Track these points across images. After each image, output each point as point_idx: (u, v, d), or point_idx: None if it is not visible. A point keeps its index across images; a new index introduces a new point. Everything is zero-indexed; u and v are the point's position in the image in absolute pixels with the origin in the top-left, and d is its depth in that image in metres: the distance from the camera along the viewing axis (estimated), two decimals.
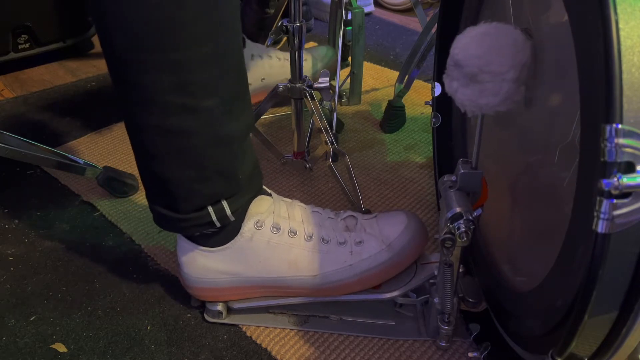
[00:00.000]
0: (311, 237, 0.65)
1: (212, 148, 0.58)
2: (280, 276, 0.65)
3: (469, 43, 0.53)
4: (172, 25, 0.51)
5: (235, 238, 0.64)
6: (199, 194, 0.60)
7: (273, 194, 0.69)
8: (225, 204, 0.61)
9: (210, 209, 0.61)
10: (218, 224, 0.62)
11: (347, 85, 1.17)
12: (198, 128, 0.56)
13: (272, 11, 1.31)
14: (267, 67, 1.12)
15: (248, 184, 0.64)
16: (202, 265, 0.66)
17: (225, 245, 0.64)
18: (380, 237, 0.66)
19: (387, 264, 0.65)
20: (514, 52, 0.51)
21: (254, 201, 0.65)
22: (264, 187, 0.69)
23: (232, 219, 0.63)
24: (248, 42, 1.11)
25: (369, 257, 0.65)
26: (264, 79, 1.11)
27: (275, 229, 0.65)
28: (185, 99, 0.54)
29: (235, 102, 0.59)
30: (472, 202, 0.59)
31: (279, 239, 0.65)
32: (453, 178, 0.59)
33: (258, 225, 0.64)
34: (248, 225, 0.64)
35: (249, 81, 1.10)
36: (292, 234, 0.65)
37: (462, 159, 0.59)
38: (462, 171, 0.58)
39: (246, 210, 0.64)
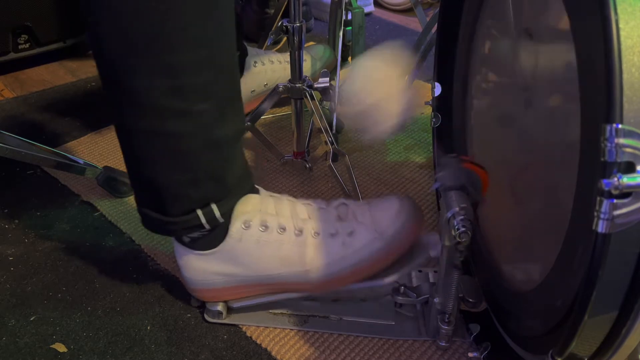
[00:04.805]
0: (301, 231, 0.64)
1: (203, 151, 0.58)
2: (274, 273, 0.65)
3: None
4: (167, 30, 0.51)
5: (225, 240, 0.64)
6: (188, 198, 0.60)
7: (261, 190, 0.68)
8: (214, 206, 0.61)
9: (199, 212, 0.61)
10: (207, 226, 0.62)
11: None
12: (190, 131, 0.56)
13: (272, 11, 1.31)
14: (270, 72, 1.12)
15: (237, 187, 0.64)
16: (199, 267, 0.65)
17: (217, 248, 0.64)
18: (372, 225, 0.65)
19: (380, 253, 0.64)
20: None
21: (240, 201, 0.64)
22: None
23: (221, 220, 0.62)
24: (250, 49, 1.11)
25: (361, 248, 0.64)
26: (266, 84, 1.11)
27: (263, 227, 0.64)
28: (179, 103, 0.54)
29: (228, 106, 0.59)
30: (476, 193, 0.58)
31: (268, 236, 0.64)
32: (437, 185, 0.59)
33: (245, 225, 0.64)
34: (235, 226, 0.63)
35: (252, 87, 1.11)
36: (281, 230, 0.64)
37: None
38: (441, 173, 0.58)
39: (232, 211, 0.64)
